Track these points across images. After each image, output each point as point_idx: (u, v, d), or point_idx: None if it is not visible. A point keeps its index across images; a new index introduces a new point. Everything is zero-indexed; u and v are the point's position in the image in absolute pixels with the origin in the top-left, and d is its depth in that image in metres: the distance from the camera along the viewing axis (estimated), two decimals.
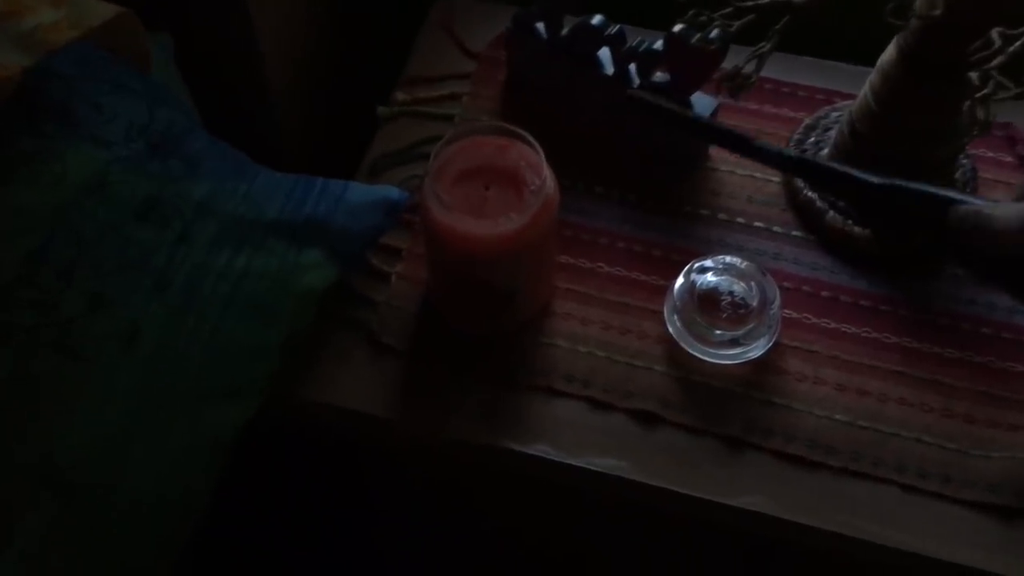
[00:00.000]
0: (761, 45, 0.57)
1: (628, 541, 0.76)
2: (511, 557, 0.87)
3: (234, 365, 0.55)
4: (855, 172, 0.45)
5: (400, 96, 0.75)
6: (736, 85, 0.58)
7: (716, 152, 0.73)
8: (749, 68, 0.58)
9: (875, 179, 0.44)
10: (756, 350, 0.63)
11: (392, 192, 0.66)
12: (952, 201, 0.42)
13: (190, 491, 0.54)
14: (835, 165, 0.45)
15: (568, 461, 0.60)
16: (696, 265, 0.64)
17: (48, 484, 0.48)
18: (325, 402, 0.63)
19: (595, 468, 0.60)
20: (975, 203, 0.42)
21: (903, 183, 0.45)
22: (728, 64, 0.63)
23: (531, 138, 0.58)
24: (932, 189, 0.45)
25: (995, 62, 0.53)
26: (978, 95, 0.53)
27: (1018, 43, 0.53)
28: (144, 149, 0.58)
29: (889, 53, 0.62)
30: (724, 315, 0.62)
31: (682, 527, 0.67)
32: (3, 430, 0.48)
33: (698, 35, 0.63)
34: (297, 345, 0.59)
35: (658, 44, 0.66)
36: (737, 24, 0.55)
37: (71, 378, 0.50)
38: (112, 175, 0.55)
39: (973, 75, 0.54)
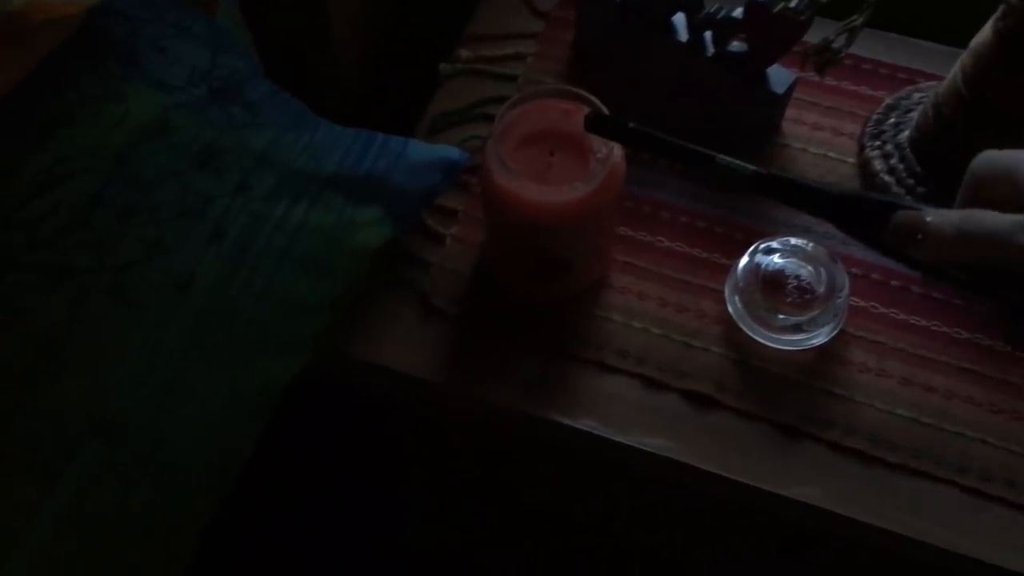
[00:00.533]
0: (853, 18, 0.53)
1: (666, 518, 0.75)
2: (546, 526, 0.86)
3: (285, 319, 0.55)
4: (814, 183, 0.45)
5: (464, 53, 0.73)
6: (824, 60, 0.55)
7: (789, 127, 0.70)
8: (839, 43, 0.55)
9: (833, 190, 0.46)
10: (819, 337, 0.60)
11: (452, 152, 0.64)
12: (896, 207, 0.41)
13: (234, 442, 0.53)
14: (794, 177, 0.46)
15: (616, 438, 0.59)
16: (762, 245, 0.61)
17: (96, 429, 0.48)
18: (371, 361, 0.62)
19: (644, 447, 0.58)
20: (919, 211, 0.41)
21: (859, 192, 0.46)
22: (809, 37, 0.60)
23: (600, 104, 0.56)
24: (884, 197, 0.46)
25: None
26: None
27: None
28: (205, 95, 0.57)
29: (984, 34, 0.58)
30: (788, 299, 0.60)
31: (725, 510, 0.65)
32: (54, 373, 0.48)
33: (782, 3, 0.59)
34: (348, 302, 0.58)
35: (738, 11, 0.63)
36: None
37: (124, 324, 0.49)
38: (173, 120, 0.54)
39: None
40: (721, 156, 0.46)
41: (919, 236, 0.42)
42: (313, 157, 0.57)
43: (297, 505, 0.92)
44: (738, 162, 0.45)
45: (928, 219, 0.42)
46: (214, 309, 0.52)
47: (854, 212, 0.44)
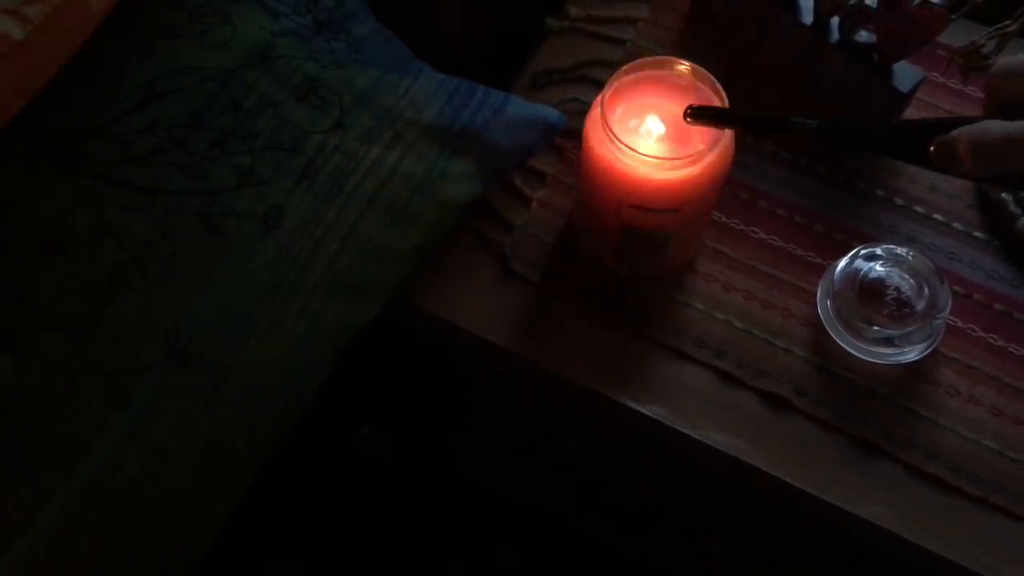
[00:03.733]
0: (1006, 23, 0.50)
1: (720, 513, 0.74)
2: (594, 500, 0.85)
3: (366, 264, 0.53)
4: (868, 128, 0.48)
5: (573, 10, 0.70)
6: (970, 64, 0.51)
7: None
8: (988, 48, 0.51)
9: (884, 129, 0.47)
10: (911, 354, 0.57)
11: (551, 114, 0.62)
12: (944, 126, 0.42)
13: (300, 382, 0.53)
14: (853, 127, 0.46)
15: (683, 429, 0.57)
16: (864, 251, 0.58)
17: (171, 350, 0.48)
18: (444, 318, 0.61)
19: (711, 443, 0.57)
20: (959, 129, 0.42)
21: (906, 121, 0.46)
22: (950, 39, 0.56)
23: (717, 83, 0.53)
24: (930, 119, 0.45)
25: None
26: None
27: None
28: (311, 24, 0.55)
29: None
30: (885, 311, 0.57)
31: (791, 516, 0.63)
32: (134, 290, 0.47)
33: None
34: (429, 254, 0.57)
35: None
36: None
37: (208, 251, 0.49)
38: (278, 48, 0.52)
39: None
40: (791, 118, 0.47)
41: (958, 153, 0.41)
42: (412, 103, 0.55)
43: (345, 443, 0.92)
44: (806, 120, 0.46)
45: (965, 135, 0.41)
46: (299, 246, 0.51)
47: (908, 141, 0.44)
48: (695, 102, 0.54)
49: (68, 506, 0.45)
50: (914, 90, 0.62)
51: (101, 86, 0.48)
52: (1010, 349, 0.59)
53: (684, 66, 0.54)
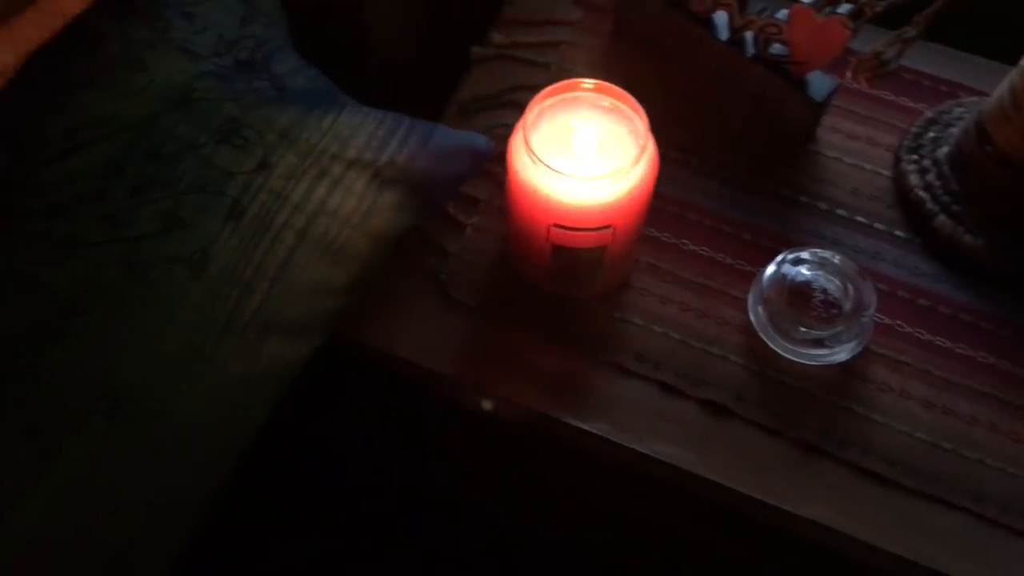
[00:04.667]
0: (906, 29, 0.52)
1: (676, 524, 0.74)
2: (553, 518, 0.85)
3: (299, 302, 0.53)
4: None
5: (497, 37, 0.72)
6: (874, 71, 0.53)
7: (824, 135, 0.68)
8: (890, 54, 0.53)
9: None
10: (842, 353, 0.59)
11: (480, 140, 0.62)
12: None
13: (242, 422, 0.52)
14: None
15: (629, 444, 0.58)
16: (790, 256, 0.60)
17: (102, 402, 0.47)
18: (385, 351, 0.61)
19: (657, 456, 0.57)
20: None
21: None
22: (857, 46, 0.58)
23: (635, 102, 0.54)
24: None
25: None
26: None
27: None
28: (232, 65, 0.55)
29: None
30: (813, 313, 0.58)
31: (736, 522, 0.64)
32: (61, 345, 0.47)
33: (829, 8, 0.58)
34: (365, 288, 0.57)
35: (782, 13, 0.61)
36: (884, 4, 0.50)
37: (135, 298, 0.48)
38: (197, 91, 0.52)
39: None
40: None
41: None
42: (337, 138, 0.55)
43: (315, 476, 0.91)
44: None
45: None
46: (228, 287, 0.50)
47: None
48: (614, 120, 0.55)
49: (3, 559, 0.44)
50: (830, 98, 0.64)
51: (19, 138, 0.48)
52: (936, 342, 0.61)
53: (602, 86, 0.55)
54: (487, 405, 0.61)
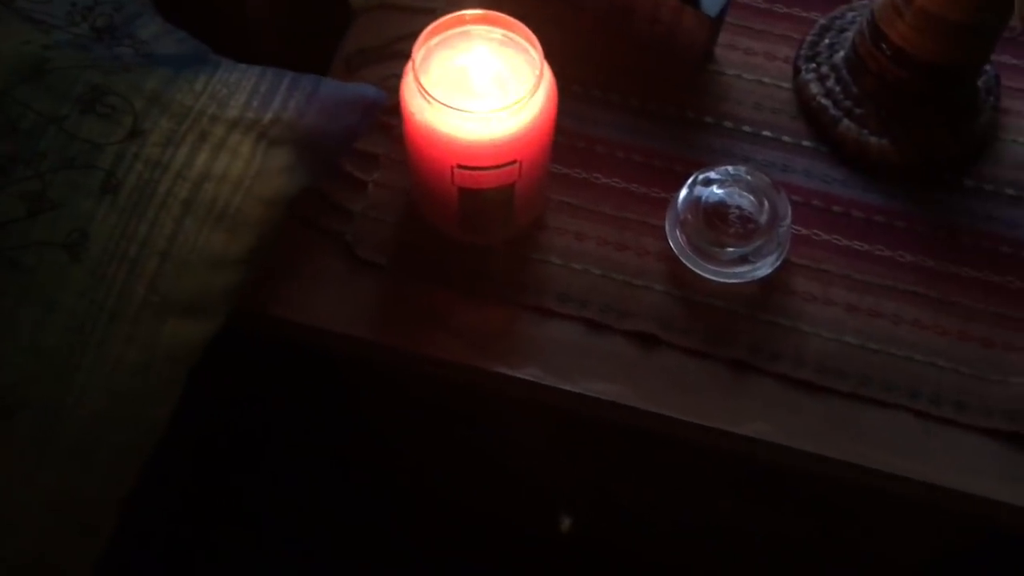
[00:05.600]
0: None
1: (623, 464, 0.73)
2: (499, 477, 0.83)
3: (194, 277, 0.50)
4: None
5: None
6: None
7: (723, 53, 0.67)
8: None
9: None
10: (763, 268, 0.58)
11: (369, 90, 0.59)
12: None
13: (146, 413, 0.48)
14: None
15: (561, 386, 0.56)
16: (701, 176, 0.59)
17: None
18: (297, 320, 0.58)
19: (590, 394, 0.56)
20: None
21: None
22: None
23: (528, 30, 0.52)
24: None
25: None
26: None
27: None
28: (88, 33, 0.51)
29: None
30: (731, 230, 0.57)
31: (683, 451, 0.63)
32: None
33: None
34: (264, 256, 0.54)
35: None
36: None
37: (10, 290, 0.44)
38: (51, 60, 0.48)
39: None
40: None
41: None
42: (214, 98, 0.52)
43: (245, 467, 0.87)
44: None
45: None
46: (112, 268, 0.47)
47: None
48: (508, 53, 0.53)
49: None
50: (723, 13, 0.63)
51: None
52: (854, 247, 0.60)
53: (491, 16, 0.53)
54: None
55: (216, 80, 0.52)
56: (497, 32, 0.53)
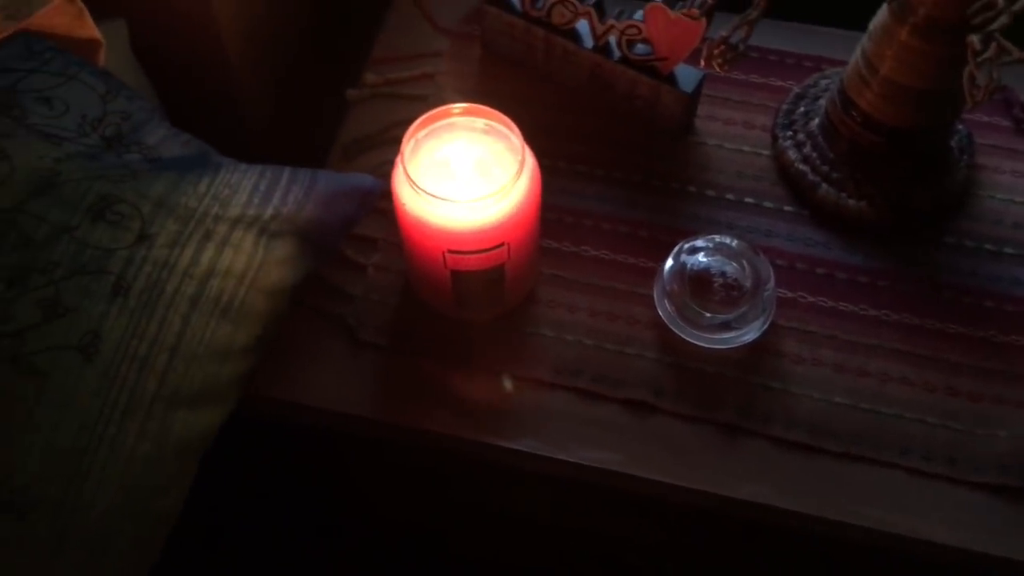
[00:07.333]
0: (748, 12, 0.53)
1: (621, 527, 0.74)
2: (502, 544, 0.84)
3: (202, 369, 0.52)
4: None
5: (370, 77, 0.72)
6: (725, 56, 0.55)
7: (702, 124, 0.70)
8: (737, 37, 0.55)
9: None
10: (750, 333, 0.60)
11: (365, 180, 0.62)
12: None
13: (159, 502, 0.51)
14: None
15: (558, 456, 0.58)
16: (686, 246, 0.61)
17: (5, 507, 0.45)
18: (303, 403, 0.60)
19: (587, 463, 0.57)
20: None
21: None
22: (713, 33, 0.60)
23: (508, 119, 0.55)
24: None
25: (997, 23, 0.50)
26: (980, 59, 0.50)
27: (1021, 3, 0.50)
28: (99, 143, 0.54)
29: (882, 15, 0.59)
30: (716, 297, 0.59)
31: (679, 513, 0.64)
32: None
33: (679, 4, 0.59)
34: (270, 344, 0.56)
35: (639, 15, 0.63)
36: None
37: (27, 393, 0.47)
38: (63, 173, 0.51)
39: (974, 38, 0.51)
40: None
41: None
42: (217, 199, 0.55)
43: (245, 536, 0.89)
44: None
45: None
46: (124, 366, 0.49)
47: None
48: (491, 140, 0.56)
49: None
50: (699, 88, 0.66)
51: None
52: (840, 307, 0.62)
53: (473, 108, 0.56)
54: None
55: (219, 181, 0.55)
56: (480, 122, 0.56)
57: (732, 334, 0.60)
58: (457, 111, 0.56)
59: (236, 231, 0.55)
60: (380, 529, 0.89)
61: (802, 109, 0.68)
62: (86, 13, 0.57)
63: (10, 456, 0.45)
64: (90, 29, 0.58)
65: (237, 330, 0.54)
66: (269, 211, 0.56)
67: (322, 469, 0.77)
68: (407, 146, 0.55)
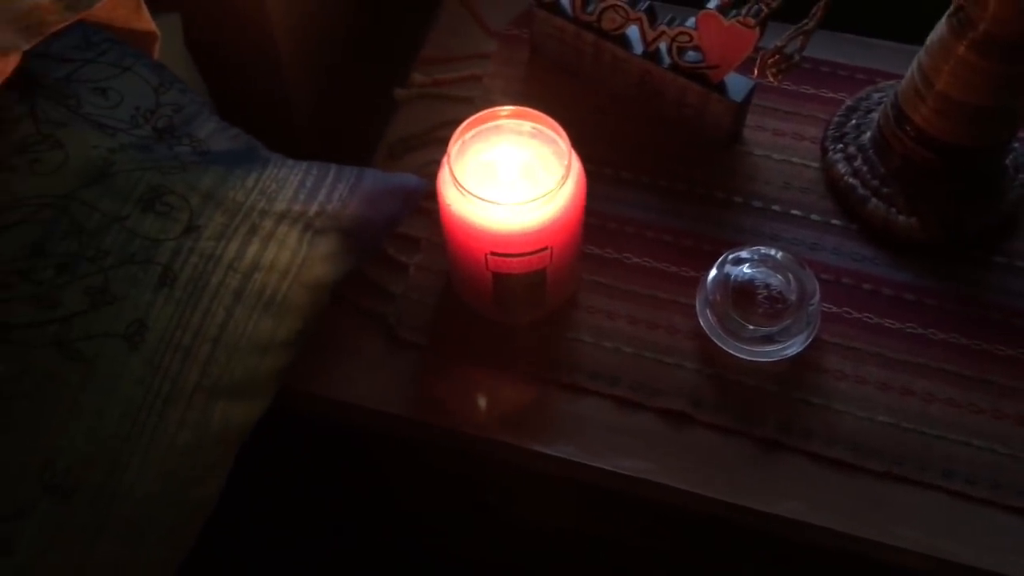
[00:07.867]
0: (804, 22, 0.53)
1: (652, 537, 0.73)
2: (531, 550, 0.84)
3: (244, 361, 0.53)
4: None
5: (418, 78, 0.72)
6: (778, 66, 0.54)
7: (751, 134, 0.69)
8: (792, 47, 0.54)
9: None
10: (793, 347, 0.59)
11: (410, 179, 0.63)
12: None
13: (198, 490, 0.51)
14: None
15: (593, 463, 0.57)
16: (731, 256, 0.60)
17: (49, 489, 0.46)
18: (340, 399, 0.60)
19: (621, 471, 0.57)
20: None
21: None
22: (765, 43, 0.59)
23: (555, 123, 0.55)
24: None
25: None
26: None
27: None
28: (151, 135, 0.55)
29: (940, 30, 0.58)
30: (760, 310, 0.58)
31: (712, 527, 0.63)
32: (2, 430, 0.46)
33: (733, 12, 0.59)
34: (310, 338, 0.57)
35: (691, 22, 0.63)
36: (778, 1, 0.51)
37: (73, 378, 0.47)
38: (116, 164, 0.52)
39: None
40: None
41: None
42: (264, 193, 0.55)
43: (277, 536, 0.89)
44: None
45: None
46: (168, 355, 0.50)
47: None
48: (537, 144, 0.55)
49: None
50: (749, 97, 0.65)
51: None
52: (885, 324, 0.61)
53: (521, 111, 0.56)
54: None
55: (266, 176, 0.56)
56: (527, 125, 0.56)
57: (774, 347, 0.59)
58: (504, 114, 0.56)
59: (281, 226, 0.55)
60: (398, 528, 0.89)
61: (853, 122, 0.67)
62: (144, 6, 0.58)
63: (55, 440, 0.46)
64: (147, 22, 0.59)
65: (278, 324, 0.54)
66: (314, 207, 0.57)
67: (349, 466, 0.77)
68: (454, 147, 0.55)
